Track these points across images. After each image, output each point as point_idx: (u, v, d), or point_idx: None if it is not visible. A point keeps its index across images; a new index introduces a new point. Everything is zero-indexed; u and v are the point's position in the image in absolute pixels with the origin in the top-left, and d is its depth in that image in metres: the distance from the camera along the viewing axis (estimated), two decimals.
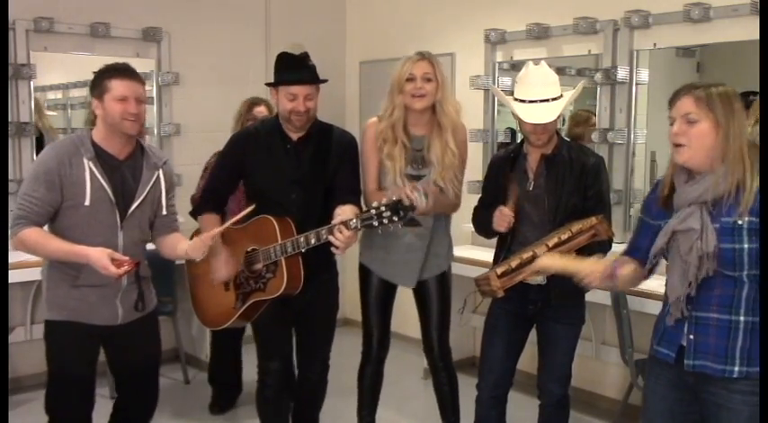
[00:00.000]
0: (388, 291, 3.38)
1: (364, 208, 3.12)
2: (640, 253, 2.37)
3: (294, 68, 3.05)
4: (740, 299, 2.15)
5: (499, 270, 2.77)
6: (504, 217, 2.92)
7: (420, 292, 3.37)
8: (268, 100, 4.19)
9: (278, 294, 3.01)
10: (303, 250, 2.92)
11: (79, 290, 2.76)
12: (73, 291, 2.78)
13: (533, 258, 2.72)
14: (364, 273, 3.38)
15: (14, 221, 2.74)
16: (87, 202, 2.72)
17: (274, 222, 3.01)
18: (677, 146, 2.20)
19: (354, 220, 2.79)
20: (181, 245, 2.93)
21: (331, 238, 2.81)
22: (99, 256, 2.62)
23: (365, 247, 3.36)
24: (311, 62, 3.10)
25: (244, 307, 3.11)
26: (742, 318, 2.15)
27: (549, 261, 2.49)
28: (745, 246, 2.12)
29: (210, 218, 3.18)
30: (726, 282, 2.16)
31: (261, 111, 4.15)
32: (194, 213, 3.32)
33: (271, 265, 3.02)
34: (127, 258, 2.67)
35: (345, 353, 3.66)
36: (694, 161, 2.20)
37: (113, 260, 2.62)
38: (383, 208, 2.72)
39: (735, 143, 2.14)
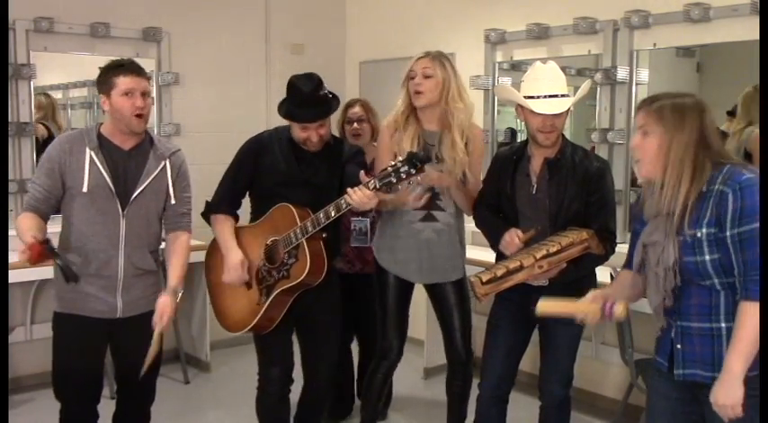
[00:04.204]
0: (406, 292, 3.37)
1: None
2: None
3: (305, 105, 3.00)
4: (718, 306, 2.16)
5: (484, 277, 2.78)
6: (513, 245, 2.88)
7: (438, 298, 3.35)
8: (365, 100, 4.15)
9: (302, 278, 2.96)
10: (324, 224, 2.89)
11: (78, 281, 2.75)
12: (72, 282, 2.78)
13: (520, 268, 2.75)
14: (381, 275, 3.34)
15: (23, 207, 2.91)
16: (85, 189, 2.78)
17: (292, 208, 3.00)
18: (637, 161, 2.22)
19: (373, 181, 2.76)
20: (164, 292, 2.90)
21: (351, 200, 2.78)
22: (21, 232, 2.65)
23: (384, 249, 3.33)
24: (322, 91, 3.04)
25: (269, 300, 3.05)
26: (723, 325, 2.16)
27: (546, 307, 2.45)
28: (707, 257, 2.12)
29: (222, 218, 3.17)
30: (701, 291, 2.18)
31: (355, 111, 4.05)
32: (207, 213, 3.22)
33: (292, 250, 2.99)
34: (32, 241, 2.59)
35: None
36: (651, 175, 2.21)
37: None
38: (399, 163, 2.70)
39: (674, 155, 2.14)
